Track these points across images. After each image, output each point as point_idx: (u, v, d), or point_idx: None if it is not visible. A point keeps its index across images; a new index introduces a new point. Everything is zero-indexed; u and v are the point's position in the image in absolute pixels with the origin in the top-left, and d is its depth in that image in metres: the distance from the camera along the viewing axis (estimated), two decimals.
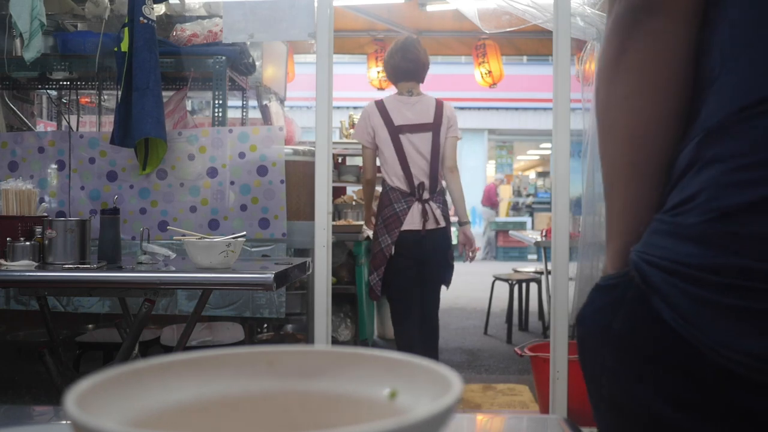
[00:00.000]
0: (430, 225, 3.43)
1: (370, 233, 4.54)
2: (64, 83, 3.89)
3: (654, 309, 0.69)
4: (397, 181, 3.45)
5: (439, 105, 3.57)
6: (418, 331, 3.54)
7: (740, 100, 0.67)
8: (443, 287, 3.65)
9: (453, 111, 3.63)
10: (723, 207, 0.65)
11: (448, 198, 3.68)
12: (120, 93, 3.04)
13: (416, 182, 3.44)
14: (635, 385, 0.72)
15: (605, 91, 0.79)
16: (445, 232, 3.51)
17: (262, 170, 3.19)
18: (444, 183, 3.59)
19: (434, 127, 3.50)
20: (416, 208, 3.43)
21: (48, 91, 4.43)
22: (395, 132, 3.47)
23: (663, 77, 0.76)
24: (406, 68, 3.53)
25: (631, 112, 0.77)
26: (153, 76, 3.00)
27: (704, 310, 0.65)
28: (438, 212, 3.46)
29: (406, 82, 3.55)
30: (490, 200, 15.48)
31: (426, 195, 3.46)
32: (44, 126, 4.79)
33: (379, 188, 3.76)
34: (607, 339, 0.75)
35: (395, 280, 3.47)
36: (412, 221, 3.41)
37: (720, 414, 0.66)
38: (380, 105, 3.53)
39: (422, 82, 3.61)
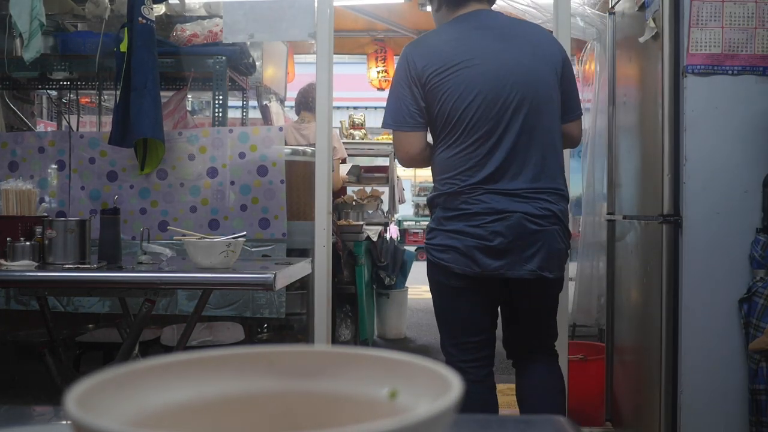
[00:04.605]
0: None
1: (371, 233, 4.71)
2: (64, 83, 3.89)
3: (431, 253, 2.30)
4: None
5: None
6: None
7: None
8: None
9: (338, 139, 4.74)
10: (442, 221, 2.23)
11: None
12: (118, 93, 3.04)
13: None
14: (432, 274, 2.29)
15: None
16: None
17: (262, 170, 3.19)
18: None
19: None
20: None
21: (48, 91, 4.44)
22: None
23: None
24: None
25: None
26: (151, 76, 3.00)
27: (439, 254, 2.23)
28: None
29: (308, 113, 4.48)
30: None
31: None
32: (44, 126, 4.79)
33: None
34: (429, 263, 2.29)
35: None
36: None
37: (447, 277, 2.24)
38: (287, 128, 4.33)
39: None
